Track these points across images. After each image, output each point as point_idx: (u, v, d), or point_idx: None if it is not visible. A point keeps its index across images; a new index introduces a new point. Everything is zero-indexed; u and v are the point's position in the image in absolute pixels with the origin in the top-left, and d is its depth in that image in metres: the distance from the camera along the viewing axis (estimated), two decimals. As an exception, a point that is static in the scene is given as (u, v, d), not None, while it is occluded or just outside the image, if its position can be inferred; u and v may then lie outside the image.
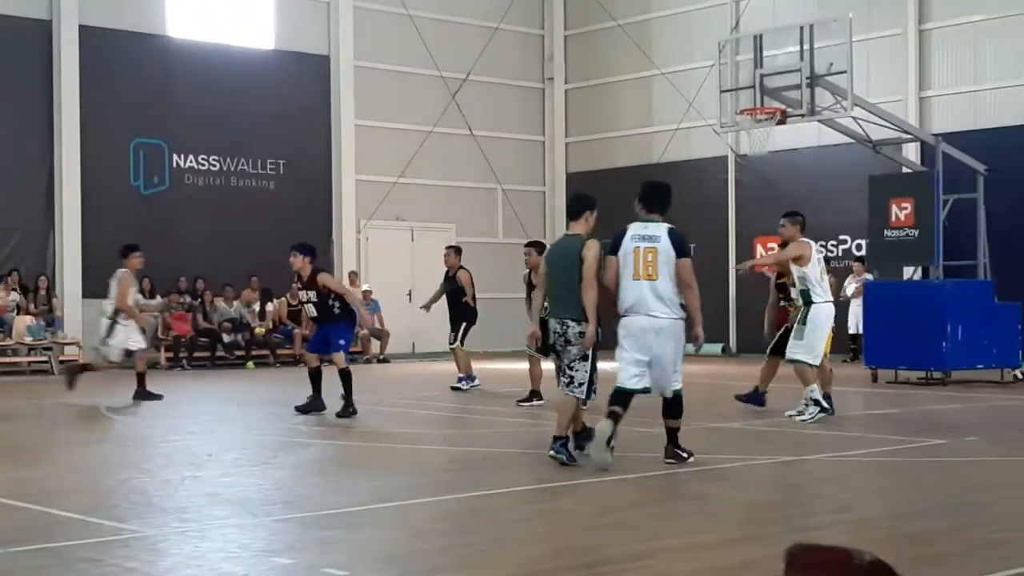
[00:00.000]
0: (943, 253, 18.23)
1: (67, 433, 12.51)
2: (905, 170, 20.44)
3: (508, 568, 5.78)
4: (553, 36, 28.58)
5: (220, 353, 22.39)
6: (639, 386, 8.73)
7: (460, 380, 16.23)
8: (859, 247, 22.88)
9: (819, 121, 18.98)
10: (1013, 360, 17.08)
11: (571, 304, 8.86)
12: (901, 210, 18.47)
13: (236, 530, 6.65)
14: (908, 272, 20.15)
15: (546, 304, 9.22)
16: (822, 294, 12.01)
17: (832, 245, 23.63)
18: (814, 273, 11.98)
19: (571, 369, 8.90)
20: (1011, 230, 20.52)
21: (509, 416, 13.18)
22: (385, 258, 25.81)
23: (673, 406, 8.93)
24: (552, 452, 8.87)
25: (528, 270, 14.19)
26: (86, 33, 22.55)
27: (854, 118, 18.44)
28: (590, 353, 8.90)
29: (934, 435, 10.96)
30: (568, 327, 8.88)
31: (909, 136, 20.04)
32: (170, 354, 21.98)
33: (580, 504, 7.55)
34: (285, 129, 24.75)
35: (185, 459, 9.64)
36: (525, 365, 14.59)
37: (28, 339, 20.87)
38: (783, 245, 12.68)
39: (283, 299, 23.69)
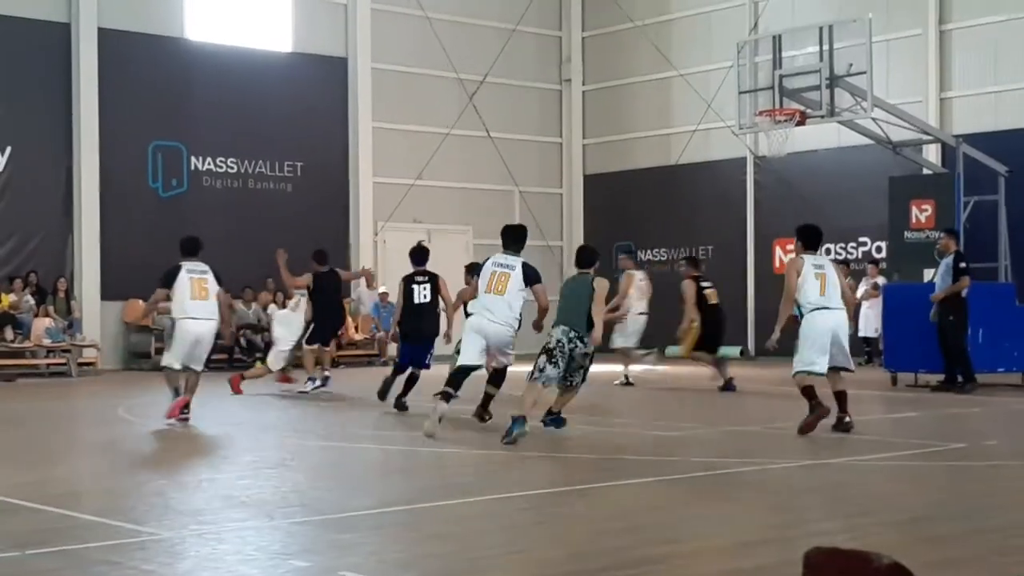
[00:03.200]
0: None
1: (84, 435, 12.54)
2: (925, 171, 20.35)
3: (522, 571, 5.78)
4: (571, 37, 28.54)
5: (238, 355, 22.42)
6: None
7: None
8: (879, 249, 22.76)
9: (839, 122, 18.94)
10: (1035, 363, 16.96)
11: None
12: (921, 212, 18.40)
13: (253, 532, 6.66)
14: (928, 274, 20.02)
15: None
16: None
17: (852, 247, 23.52)
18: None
19: None
20: (1033, 232, 20.39)
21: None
22: (402, 260, 25.43)
23: None
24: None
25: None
26: (104, 36, 22.62)
27: (874, 119, 18.38)
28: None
29: (954, 439, 10.90)
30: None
31: (929, 137, 19.96)
32: (188, 356, 21.99)
33: (594, 507, 7.52)
34: (302, 131, 24.79)
35: (202, 461, 9.66)
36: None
37: (46, 341, 20.94)
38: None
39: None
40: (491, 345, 11.44)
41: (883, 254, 22.08)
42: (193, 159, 23.76)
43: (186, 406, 12.25)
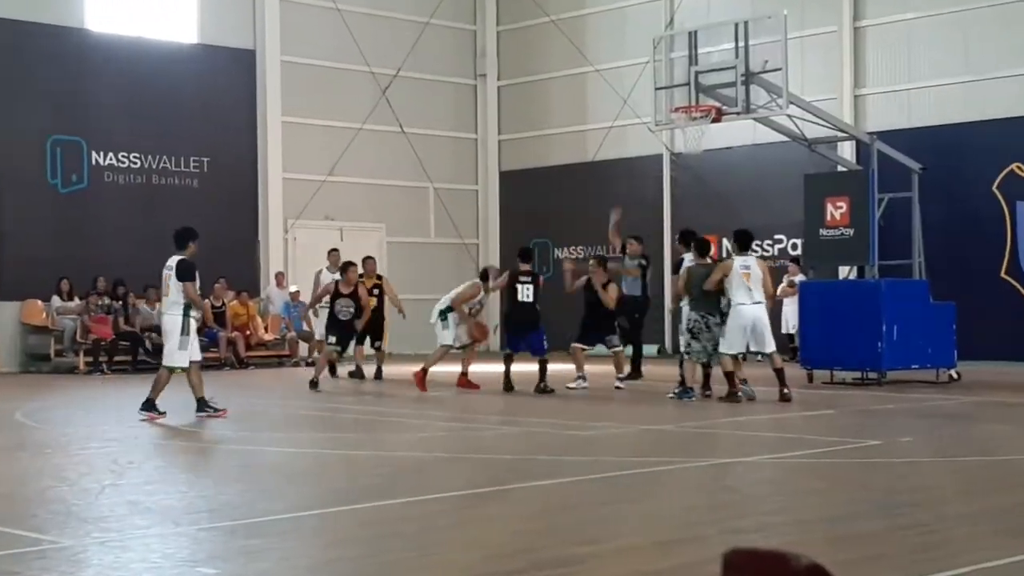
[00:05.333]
0: (878, 252, 18.17)
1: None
2: (840, 168, 20.44)
3: (438, 574, 5.70)
4: (485, 31, 28.33)
5: (142, 357, 21.81)
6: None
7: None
8: (795, 246, 22.87)
9: (754, 119, 18.86)
10: (948, 360, 17.10)
11: None
12: (836, 209, 18.38)
13: (158, 540, 6.53)
14: (844, 271, 20.13)
15: None
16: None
17: (768, 244, 23.61)
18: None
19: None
20: (946, 229, 20.62)
21: (439, 420, 13.09)
22: (313, 258, 25.17)
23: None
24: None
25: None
26: (0, 25, 21.91)
27: (789, 116, 18.34)
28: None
29: (870, 436, 10.98)
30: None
31: (844, 134, 20.01)
32: (89, 358, 21.41)
33: (511, 508, 7.42)
34: (209, 125, 24.24)
35: (106, 467, 9.43)
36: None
37: (-59, 341, 20.19)
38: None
39: (207, 301, 23.11)
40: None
41: (798, 251, 22.18)
42: (94, 154, 23.10)
43: (150, 405, 12.62)
